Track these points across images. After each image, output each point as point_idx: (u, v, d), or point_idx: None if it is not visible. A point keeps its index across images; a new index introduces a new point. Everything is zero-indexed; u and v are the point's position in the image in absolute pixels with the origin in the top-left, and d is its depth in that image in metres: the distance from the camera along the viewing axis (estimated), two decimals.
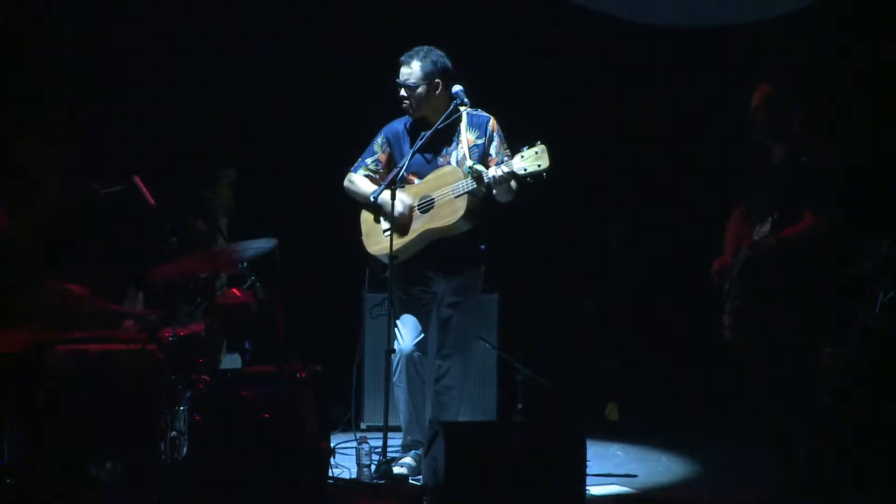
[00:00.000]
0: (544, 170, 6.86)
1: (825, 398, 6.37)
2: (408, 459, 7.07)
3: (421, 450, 7.01)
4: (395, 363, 7.10)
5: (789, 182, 6.27)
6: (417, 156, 7.07)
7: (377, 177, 7.16)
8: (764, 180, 6.45)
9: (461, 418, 7.39)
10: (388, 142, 7.19)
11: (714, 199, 8.78)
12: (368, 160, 7.20)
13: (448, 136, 7.09)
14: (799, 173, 6.27)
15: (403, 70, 7.08)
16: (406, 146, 7.12)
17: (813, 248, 6.25)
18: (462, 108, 7.08)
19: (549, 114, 8.86)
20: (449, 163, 7.07)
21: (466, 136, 7.08)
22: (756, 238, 6.22)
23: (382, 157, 7.19)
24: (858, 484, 6.71)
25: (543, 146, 6.88)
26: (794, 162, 6.32)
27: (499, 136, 7.13)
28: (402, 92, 7.08)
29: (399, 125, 7.22)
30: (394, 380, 7.11)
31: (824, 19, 8.74)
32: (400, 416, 7.16)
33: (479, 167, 6.99)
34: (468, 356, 7.23)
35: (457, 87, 7.05)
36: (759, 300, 6.31)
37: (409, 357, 7.08)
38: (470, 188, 6.94)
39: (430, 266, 7.08)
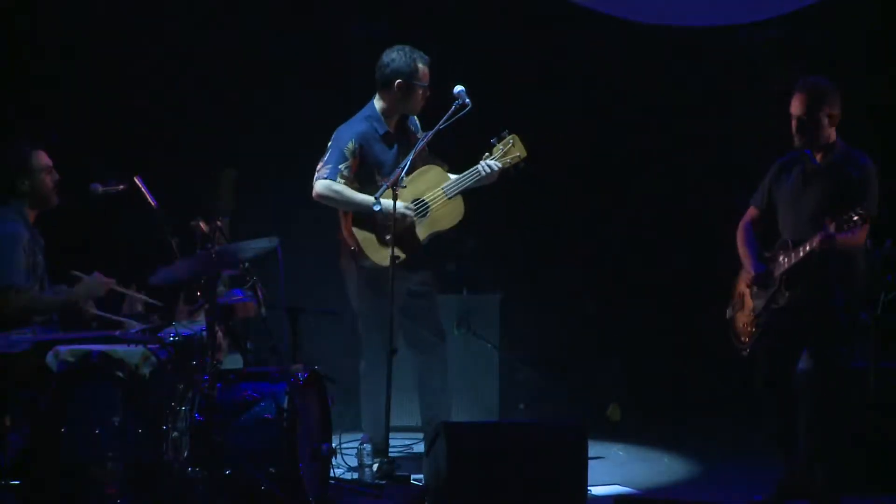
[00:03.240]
0: (523, 159, 7.11)
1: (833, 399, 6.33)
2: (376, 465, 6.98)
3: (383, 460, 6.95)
4: (368, 371, 7.11)
5: (834, 188, 6.25)
6: (390, 159, 7.07)
7: (350, 184, 7.07)
8: (794, 184, 6.40)
9: (461, 418, 7.39)
10: (360, 147, 7.10)
11: (715, 199, 8.82)
12: (342, 167, 7.07)
13: (407, 137, 7.15)
14: (842, 179, 6.25)
15: (429, 71, 7.12)
16: (378, 149, 7.10)
17: (857, 254, 6.28)
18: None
19: (550, 113, 8.86)
20: (415, 163, 7.03)
21: (416, 136, 7.21)
22: (822, 239, 6.09)
23: (354, 162, 7.09)
24: (857, 484, 6.71)
25: (515, 136, 7.11)
26: (835, 168, 6.29)
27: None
28: (427, 93, 7.13)
29: (362, 128, 7.13)
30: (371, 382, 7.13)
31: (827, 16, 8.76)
32: (371, 420, 7.13)
33: (445, 165, 7.18)
34: (446, 344, 7.32)
35: (459, 87, 7.03)
36: (814, 301, 6.25)
37: (389, 360, 6.95)
38: (462, 187, 7.04)
39: (406, 264, 7.06)
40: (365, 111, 7.18)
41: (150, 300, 6.54)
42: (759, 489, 6.72)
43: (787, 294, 6.32)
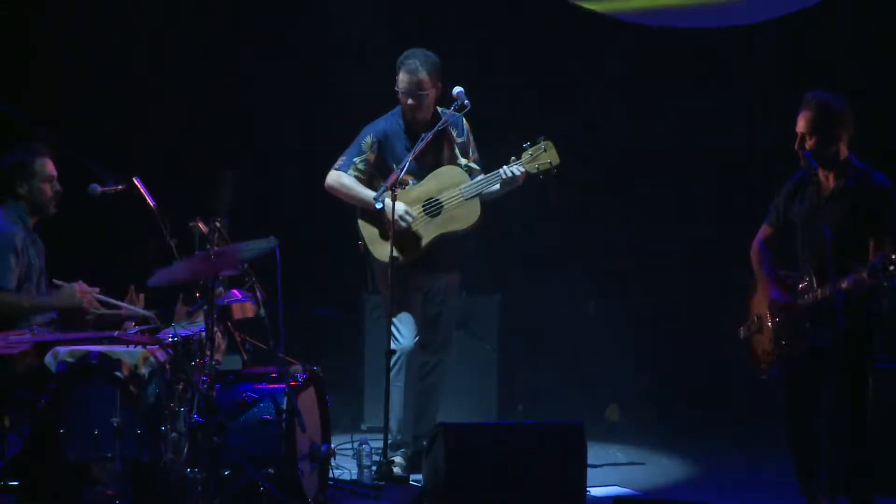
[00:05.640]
0: (556, 166, 7.01)
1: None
2: (399, 458, 7.05)
3: (406, 449, 7.07)
4: (393, 361, 7.11)
5: (851, 212, 5.93)
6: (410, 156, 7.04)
7: (364, 177, 7.12)
8: (810, 206, 6.09)
9: (460, 419, 7.40)
10: (379, 142, 7.14)
11: (718, 202, 8.83)
12: (356, 160, 7.14)
13: (437, 136, 7.07)
14: (857, 203, 5.93)
15: (414, 78, 7.02)
16: (401, 147, 7.11)
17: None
18: (440, 109, 7.11)
19: (550, 113, 8.85)
20: (440, 163, 7.08)
21: (452, 136, 7.14)
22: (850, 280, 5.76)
23: (371, 157, 7.14)
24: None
25: (549, 142, 7.01)
26: (850, 191, 5.96)
27: (471, 133, 7.21)
28: (410, 100, 7.06)
29: (386, 125, 7.18)
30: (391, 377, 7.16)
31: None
32: (391, 413, 7.14)
33: (474, 165, 7.12)
34: (452, 353, 7.35)
35: (458, 88, 7.03)
36: (840, 337, 5.83)
37: (409, 355, 7.07)
38: (481, 189, 6.99)
39: (425, 264, 7.09)
40: (395, 109, 7.21)
41: (140, 311, 6.48)
42: (757, 490, 6.72)
43: (809, 327, 5.98)
